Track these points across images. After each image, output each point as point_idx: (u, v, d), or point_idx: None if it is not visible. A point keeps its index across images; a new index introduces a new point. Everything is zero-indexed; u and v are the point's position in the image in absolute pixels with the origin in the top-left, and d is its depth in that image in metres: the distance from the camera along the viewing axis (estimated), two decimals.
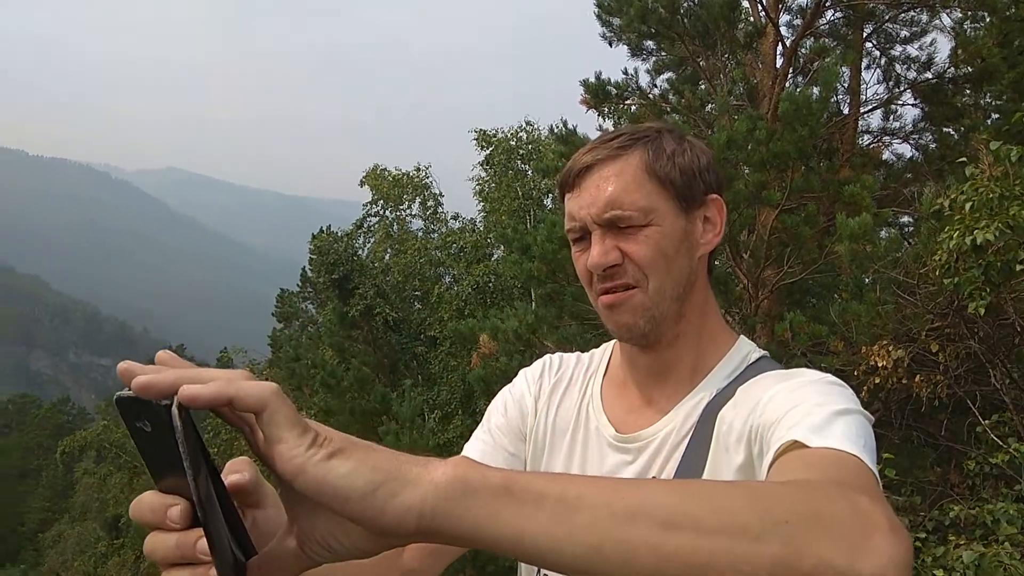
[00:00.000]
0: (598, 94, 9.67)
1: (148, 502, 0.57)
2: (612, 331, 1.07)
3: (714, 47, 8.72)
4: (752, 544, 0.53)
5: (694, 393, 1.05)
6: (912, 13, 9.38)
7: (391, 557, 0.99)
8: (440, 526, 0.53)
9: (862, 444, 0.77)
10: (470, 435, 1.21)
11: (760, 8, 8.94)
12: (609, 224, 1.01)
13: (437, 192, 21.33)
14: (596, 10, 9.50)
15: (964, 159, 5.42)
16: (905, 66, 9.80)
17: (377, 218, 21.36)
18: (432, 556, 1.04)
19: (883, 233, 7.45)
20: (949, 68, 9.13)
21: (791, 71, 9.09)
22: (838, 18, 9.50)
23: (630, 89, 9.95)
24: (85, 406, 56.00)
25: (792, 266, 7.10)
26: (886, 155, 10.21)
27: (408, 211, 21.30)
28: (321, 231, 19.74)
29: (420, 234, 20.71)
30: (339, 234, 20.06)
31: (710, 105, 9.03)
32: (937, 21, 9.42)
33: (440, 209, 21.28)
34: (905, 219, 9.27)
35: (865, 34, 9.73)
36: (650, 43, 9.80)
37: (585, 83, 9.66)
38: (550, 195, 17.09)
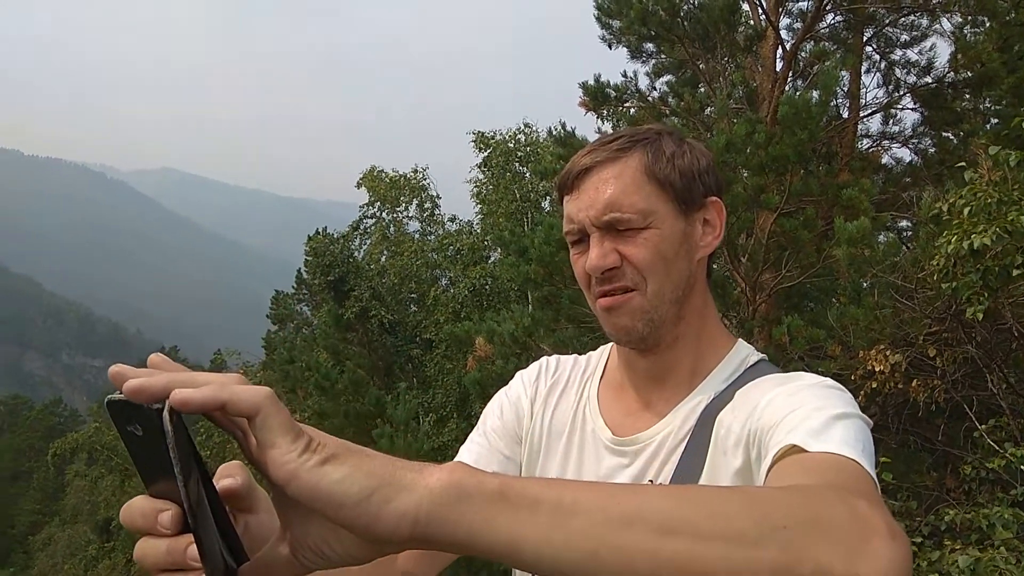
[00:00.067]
0: (597, 96, 9.68)
1: (139, 507, 0.56)
2: (610, 334, 1.06)
3: (714, 50, 8.73)
4: (750, 549, 0.53)
5: (692, 396, 1.04)
6: (912, 17, 9.42)
7: (385, 562, 0.97)
8: (435, 532, 0.53)
9: (861, 448, 0.76)
10: (465, 438, 1.20)
11: (760, 11, 8.95)
12: (608, 226, 1.00)
13: (434, 194, 21.34)
14: (596, 12, 9.50)
15: (963, 163, 5.43)
16: (905, 70, 9.85)
17: (373, 220, 21.34)
18: (427, 560, 1.03)
19: (881, 237, 7.48)
20: (949, 72, 9.17)
21: (791, 75, 9.11)
22: (838, 22, 9.53)
23: (629, 92, 9.96)
24: (77, 408, 55.82)
25: (790, 270, 7.09)
26: (885, 159, 10.27)
27: (405, 213, 21.30)
28: (317, 232, 19.69)
29: (417, 236, 20.67)
30: (335, 236, 20.02)
31: (709, 108, 9.02)
32: (937, 25, 9.47)
33: (437, 211, 21.28)
34: (903, 223, 9.30)
35: (865, 38, 9.76)
36: (650, 46, 9.83)
37: (584, 85, 9.66)
38: (548, 197, 17.04)
